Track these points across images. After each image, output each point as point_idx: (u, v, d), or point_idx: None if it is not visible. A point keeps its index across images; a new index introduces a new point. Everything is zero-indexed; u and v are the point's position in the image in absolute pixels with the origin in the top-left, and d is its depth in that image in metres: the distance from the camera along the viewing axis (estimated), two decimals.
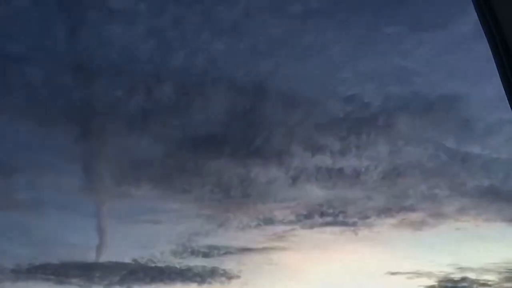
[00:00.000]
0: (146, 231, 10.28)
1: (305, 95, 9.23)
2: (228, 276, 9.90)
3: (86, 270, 9.89)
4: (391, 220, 9.86)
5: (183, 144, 9.89)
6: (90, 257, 10.09)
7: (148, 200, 10.42)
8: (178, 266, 9.91)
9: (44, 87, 9.08)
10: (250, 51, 9.08)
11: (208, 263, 9.99)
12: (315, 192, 9.95)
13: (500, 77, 1.13)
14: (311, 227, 10.00)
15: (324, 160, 9.60)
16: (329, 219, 9.96)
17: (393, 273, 9.70)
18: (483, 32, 1.15)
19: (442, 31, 8.16)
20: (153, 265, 9.94)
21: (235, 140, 9.88)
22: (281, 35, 8.85)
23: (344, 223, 9.92)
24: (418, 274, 9.56)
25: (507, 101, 1.11)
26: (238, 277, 9.97)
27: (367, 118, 9.21)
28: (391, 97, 9.03)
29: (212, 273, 9.91)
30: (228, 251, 10.08)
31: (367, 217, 9.82)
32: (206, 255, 10.06)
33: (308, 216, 9.98)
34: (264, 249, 10.13)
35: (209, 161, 10.04)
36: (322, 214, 9.95)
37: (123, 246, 10.25)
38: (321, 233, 10.00)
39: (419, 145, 9.36)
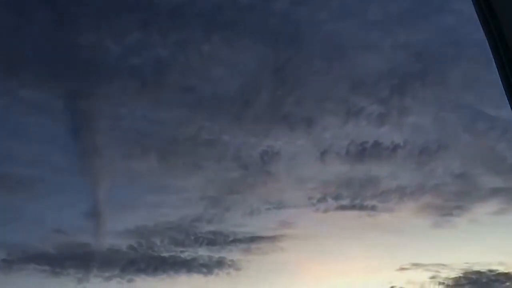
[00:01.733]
0: (148, 214, 10.15)
1: (342, 43, 8.52)
2: (236, 267, 9.98)
3: (84, 260, 9.92)
4: (414, 204, 9.71)
5: (197, 108, 9.16)
6: (87, 243, 10.06)
7: (151, 178, 10.06)
8: (182, 256, 9.95)
9: (22, 34, 8.24)
10: None
11: (214, 252, 10.01)
12: (342, 169, 9.59)
13: (500, 77, 1.25)
14: (325, 211, 9.88)
15: (359, 130, 9.11)
16: (345, 202, 9.80)
17: (414, 264, 9.70)
18: (483, 32, 1.27)
19: None
20: (155, 254, 9.99)
21: (260, 103, 9.06)
22: None
23: (363, 207, 9.78)
24: (443, 265, 9.54)
25: (507, 101, 1.24)
26: (247, 268, 10.06)
27: (412, 73, 8.58)
28: (431, 43, 8.49)
29: (219, 264, 9.97)
30: (236, 239, 10.02)
31: (387, 200, 9.66)
32: (211, 242, 10.02)
33: (322, 199, 9.84)
34: (275, 237, 10.12)
35: (227, 129, 9.40)
36: (338, 197, 9.79)
37: (123, 231, 10.17)
38: (337, 218, 9.94)
39: (459, 110, 8.99)
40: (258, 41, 8.57)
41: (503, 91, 1.23)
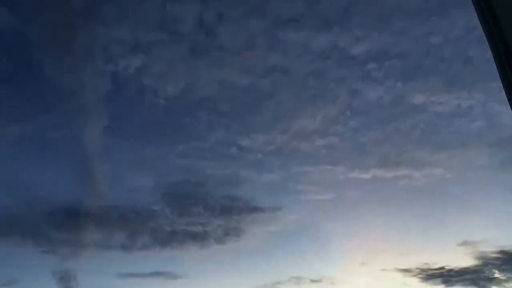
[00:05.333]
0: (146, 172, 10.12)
1: None
2: (258, 249, 10.35)
3: (76, 232, 10.33)
4: (489, 158, 9.22)
5: None
6: (77, 209, 10.34)
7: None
8: (196, 229, 10.18)
9: None
10: None
11: (229, 223, 10.07)
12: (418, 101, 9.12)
13: (500, 77, 1.47)
14: (366, 170, 9.74)
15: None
16: (391, 158, 9.58)
17: (466, 242, 9.57)
18: (483, 32, 1.47)
19: None
20: (164, 227, 10.25)
21: None
22: None
23: (415, 165, 9.53)
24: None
25: (507, 101, 1.45)
26: (268, 250, 10.38)
27: None
28: None
29: (237, 236, 10.21)
30: (256, 206, 10.08)
31: (448, 155, 9.35)
32: (227, 210, 10.07)
33: (361, 156, 9.72)
34: (306, 204, 10.33)
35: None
36: (383, 156, 9.57)
37: (117, 195, 10.54)
38: (378, 180, 9.85)
39: None
40: None
41: (504, 91, 1.45)
